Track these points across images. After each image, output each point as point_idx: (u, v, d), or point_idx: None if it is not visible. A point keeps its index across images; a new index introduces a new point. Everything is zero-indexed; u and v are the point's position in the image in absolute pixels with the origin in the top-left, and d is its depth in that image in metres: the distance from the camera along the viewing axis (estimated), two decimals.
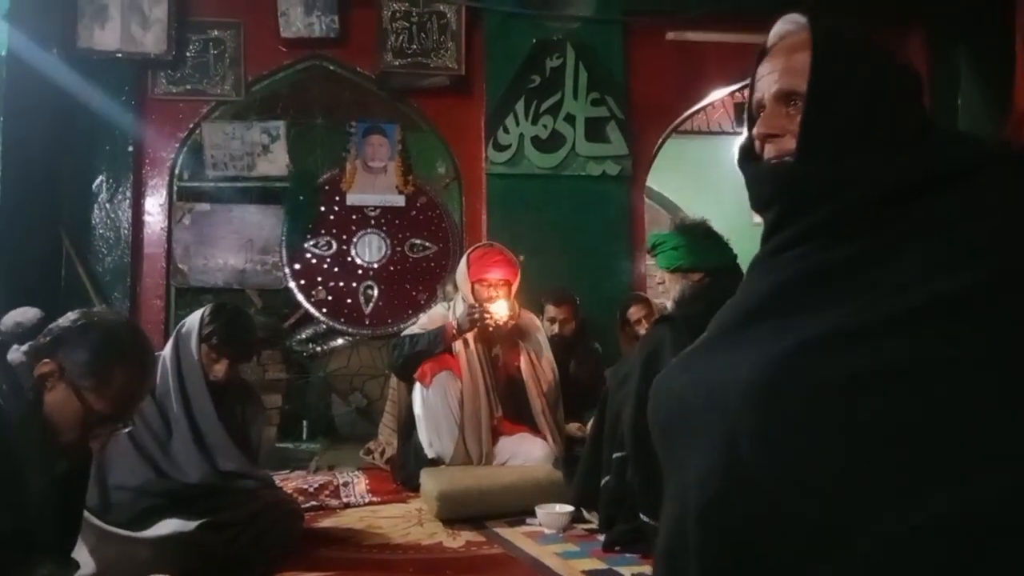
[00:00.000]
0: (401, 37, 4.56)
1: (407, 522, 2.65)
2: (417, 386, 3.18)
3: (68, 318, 1.56)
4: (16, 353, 1.51)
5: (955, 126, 4.63)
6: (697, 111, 5.21)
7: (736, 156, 1.20)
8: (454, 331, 3.17)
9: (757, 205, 1.14)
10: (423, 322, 3.42)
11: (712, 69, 4.86)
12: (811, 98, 1.05)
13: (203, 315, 2.35)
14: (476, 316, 3.13)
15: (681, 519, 1.01)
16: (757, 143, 1.13)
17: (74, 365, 1.47)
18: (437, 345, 3.18)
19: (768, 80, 1.11)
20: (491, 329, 3.18)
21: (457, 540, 2.41)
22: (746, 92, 1.20)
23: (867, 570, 0.85)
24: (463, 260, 3.37)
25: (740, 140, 1.21)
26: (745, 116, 1.19)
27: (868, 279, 0.98)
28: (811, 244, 1.05)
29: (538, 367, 3.32)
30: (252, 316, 2.93)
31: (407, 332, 3.40)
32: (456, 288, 3.81)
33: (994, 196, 0.97)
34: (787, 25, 1.12)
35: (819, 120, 1.05)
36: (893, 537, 0.84)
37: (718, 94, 5.03)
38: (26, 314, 3.56)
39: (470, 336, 3.19)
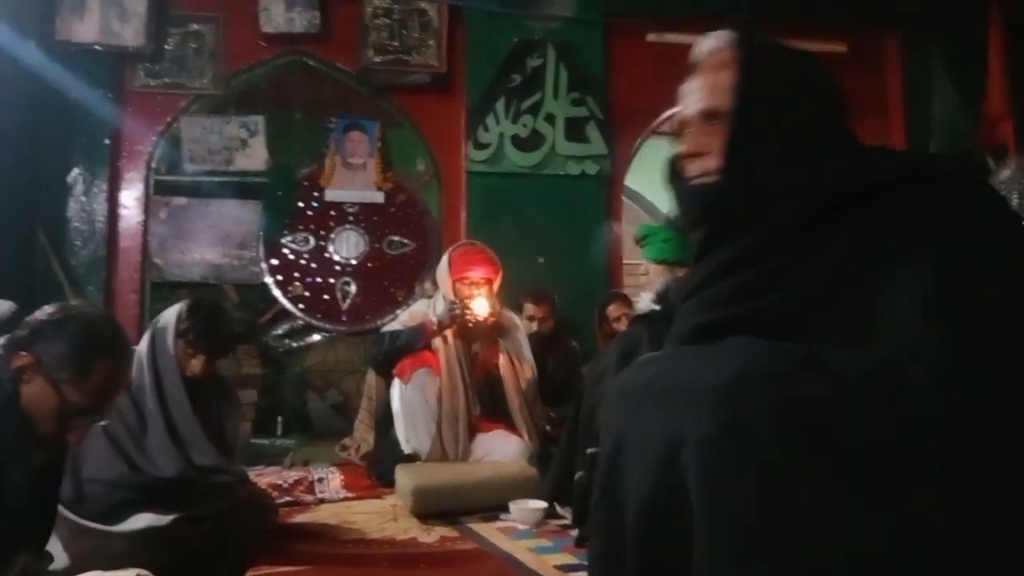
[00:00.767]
0: (382, 34, 4.57)
1: (382, 518, 2.67)
2: (396, 382, 3.20)
3: (45, 311, 1.56)
4: None
5: (928, 127, 4.73)
6: (676, 112, 5.25)
7: (664, 173, 1.21)
8: (434, 327, 3.19)
9: (685, 224, 1.16)
10: (403, 318, 3.43)
11: (690, 70, 4.90)
12: (734, 117, 1.07)
13: (180, 310, 2.35)
14: (457, 313, 3.15)
15: (621, 516, 1.02)
16: (681, 161, 1.15)
17: (51, 358, 1.47)
18: (417, 341, 3.19)
19: (693, 98, 1.13)
20: (471, 326, 3.20)
21: (431, 535, 2.43)
22: (688, 80, 1.21)
23: None
24: (444, 258, 3.38)
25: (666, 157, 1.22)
26: (673, 133, 1.20)
27: (812, 298, 1.00)
28: (746, 267, 1.06)
29: (517, 365, 3.34)
30: (229, 312, 2.93)
31: (387, 328, 3.42)
32: (436, 285, 3.83)
33: (913, 212, 1.00)
34: (715, 41, 1.14)
35: (741, 138, 1.07)
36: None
37: None
38: (0, 307, 3.54)
39: (450, 333, 3.21)
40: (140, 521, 2.08)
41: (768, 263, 1.06)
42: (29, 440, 1.51)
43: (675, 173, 1.19)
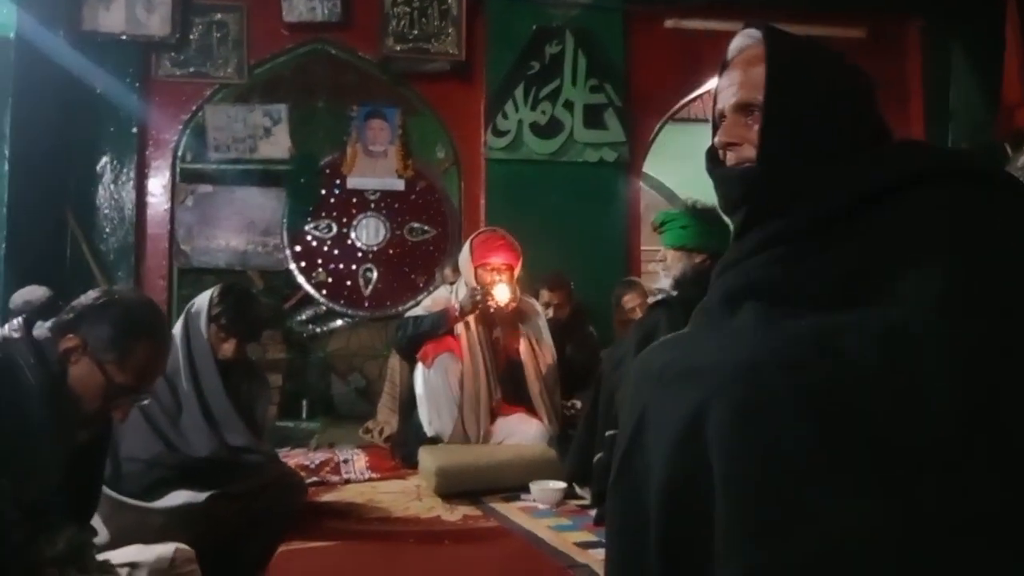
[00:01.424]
0: (403, 22, 4.63)
1: (406, 497, 2.74)
2: (419, 366, 3.27)
3: (90, 295, 1.63)
4: (41, 329, 1.58)
5: (947, 114, 4.72)
6: (694, 99, 5.27)
7: (704, 163, 1.27)
8: (456, 314, 3.25)
9: (726, 208, 1.22)
10: (426, 304, 3.50)
11: (710, 57, 4.91)
12: (767, 109, 1.13)
13: (212, 296, 2.43)
14: (478, 299, 3.21)
15: (641, 493, 1.07)
16: (720, 151, 1.21)
17: (97, 340, 1.54)
18: (440, 327, 3.26)
19: (728, 92, 1.19)
20: (492, 312, 3.26)
21: (455, 514, 2.50)
22: (721, 75, 1.27)
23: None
24: (467, 244, 3.44)
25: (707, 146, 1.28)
26: (710, 124, 1.26)
27: (834, 280, 1.05)
28: (778, 246, 1.12)
29: (537, 351, 3.39)
30: (259, 298, 3.01)
31: (411, 313, 3.48)
32: (456, 272, 3.89)
33: (939, 208, 1.04)
34: (745, 39, 1.20)
35: (775, 130, 1.13)
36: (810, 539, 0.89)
37: (715, 82, 5.07)
38: (35, 292, 3.65)
39: (472, 319, 3.27)
40: (177, 498, 2.17)
41: (797, 246, 1.12)
42: (75, 418, 1.59)
43: (715, 161, 1.25)
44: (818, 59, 1.17)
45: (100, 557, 1.72)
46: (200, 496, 2.17)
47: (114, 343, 1.55)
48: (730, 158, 1.20)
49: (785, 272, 1.11)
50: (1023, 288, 0.99)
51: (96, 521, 1.92)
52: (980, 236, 1.02)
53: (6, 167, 3.82)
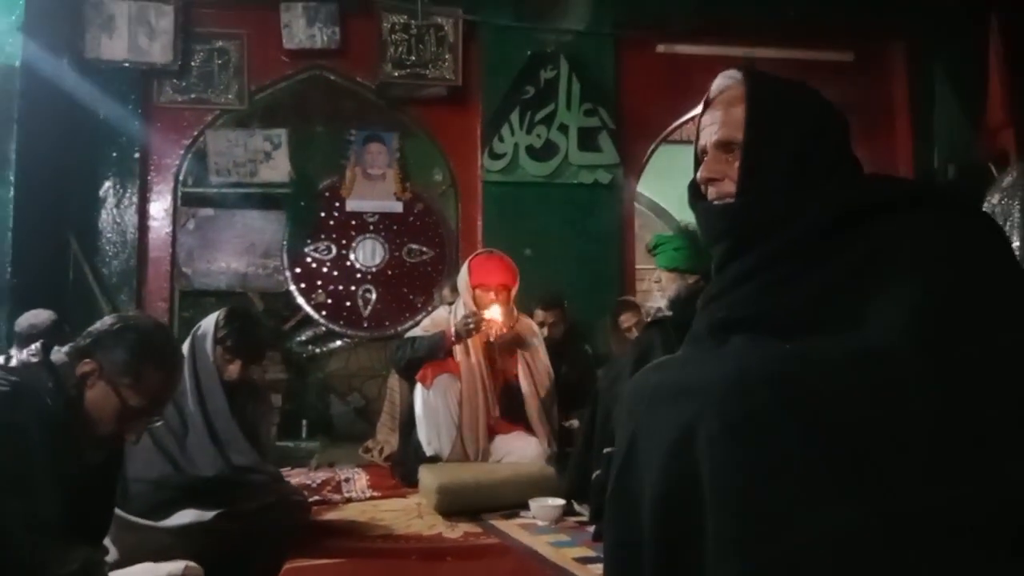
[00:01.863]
0: (400, 48, 4.72)
1: (407, 515, 2.79)
2: (418, 387, 3.32)
3: (105, 322, 1.69)
4: (58, 354, 1.64)
5: (934, 137, 4.82)
6: (686, 121, 5.37)
7: (687, 196, 1.35)
8: (452, 338, 3.31)
9: (708, 240, 1.30)
10: (426, 324, 3.56)
11: (700, 80, 4.87)
12: (746, 148, 1.22)
13: (218, 319, 2.49)
14: (471, 326, 3.26)
15: (635, 508, 1.13)
16: (701, 185, 1.29)
17: (112, 364, 1.60)
18: (437, 351, 3.31)
19: (710, 130, 1.27)
20: (491, 339, 3.31)
21: (456, 531, 2.55)
22: (703, 113, 1.35)
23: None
24: (464, 266, 3.50)
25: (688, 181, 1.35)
26: (693, 160, 1.34)
27: (810, 308, 1.12)
28: (755, 277, 1.20)
29: (535, 372, 3.45)
30: (262, 321, 3.06)
31: (410, 334, 3.54)
32: (454, 292, 3.96)
33: (906, 233, 1.12)
34: (726, 80, 1.29)
35: (753, 166, 1.22)
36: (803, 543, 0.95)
37: None
38: (39, 316, 3.70)
39: (471, 342, 3.32)
40: (184, 517, 2.22)
41: (776, 273, 1.20)
42: (91, 440, 1.64)
43: (697, 194, 1.33)
44: (794, 100, 1.25)
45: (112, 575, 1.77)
46: (207, 515, 2.22)
47: (129, 367, 1.61)
48: (711, 192, 1.28)
49: (764, 303, 1.18)
50: (985, 308, 1.06)
51: (106, 540, 1.97)
52: (946, 260, 1.09)
53: (11, 192, 3.88)
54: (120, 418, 1.62)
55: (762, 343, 1.12)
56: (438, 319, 3.53)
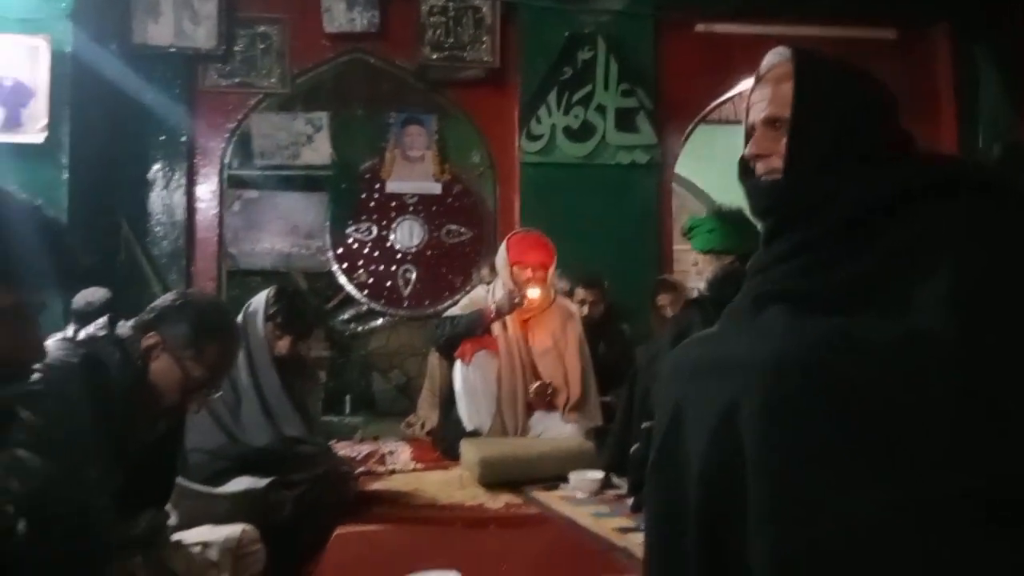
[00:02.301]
0: (438, 31, 4.76)
1: (450, 486, 2.86)
2: (458, 364, 3.39)
3: (167, 298, 1.77)
4: (124, 327, 1.73)
5: (978, 118, 4.74)
6: (725, 101, 5.35)
7: (737, 171, 1.37)
8: (492, 315, 3.37)
9: (755, 215, 1.33)
10: (464, 303, 3.62)
11: (740, 60, 4.98)
12: (793, 125, 1.23)
13: (268, 296, 2.58)
14: (517, 301, 3.32)
15: (680, 480, 1.17)
16: (750, 162, 1.32)
17: (175, 338, 1.68)
18: (476, 327, 3.38)
19: (758, 107, 1.29)
20: (527, 317, 3.37)
21: (497, 502, 2.63)
22: (747, 96, 1.38)
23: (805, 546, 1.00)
24: (503, 244, 3.55)
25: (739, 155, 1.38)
26: (743, 131, 1.36)
27: (852, 286, 1.15)
28: (802, 254, 1.22)
29: (570, 351, 3.50)
30: (310, 298, 3.15)
31: (449, 313, 3.61)
32: (492, 272, 4.02)
33: (950, 217, 1.13)
34: (775, 57, 1.30)
35: (800, 144, 1.23)
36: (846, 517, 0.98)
37: (745, 84, 5.15)
38: (95, 294, 3.84)
39: (510, 319, 3.38)
40: (240, 484, 2.32)
41: (819, 251, 1.22)
42: (156, 410, 1.74)
43: (746, 170, 1.35)
44: (843, 77, 1.26)
45: (173, 538, 1.87)
46: (260, 483, 2.32)
47: (191, 340, 1.69)
48: (759, 168, 1.30)
49: (807, 279, 1.21)
50: (1021, 295, 1.08)
51: (167, 506, 2.07)
52: (988, 244, 1.11)
53: (65, 175, 4.01)
54: (183, 389, 1.71)
55: (801, 320, 1.14)
56: (476, 298, 3.59)
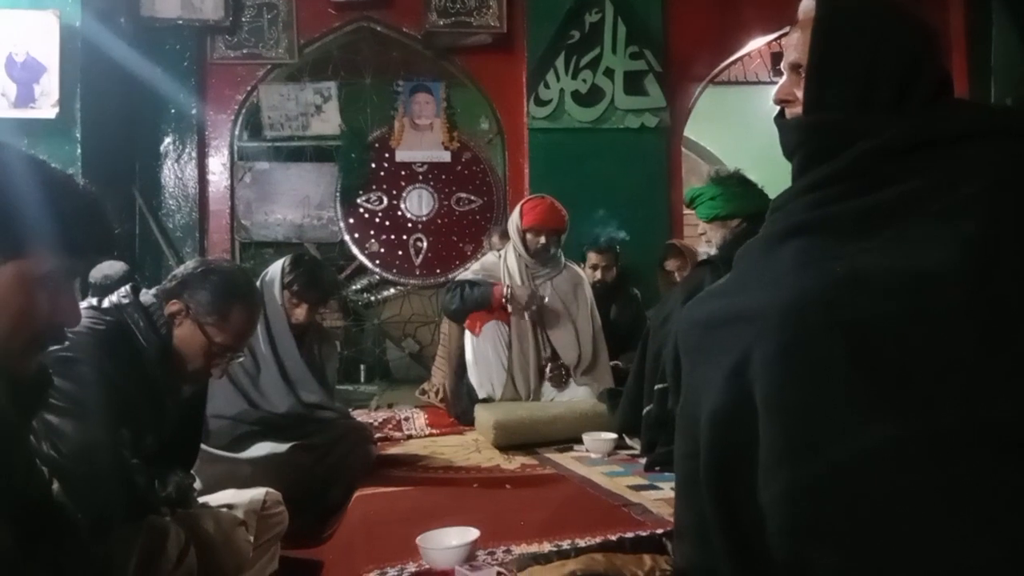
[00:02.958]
0: None
1: (466, 449, 2.93)
2: (467, 334, 3.43)
3: (189, 266, 1.81)
4: (147, 295, 1.78)
5: (990, 70, 4.69)
6: (734, 62, 5.31)
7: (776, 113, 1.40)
8: (502, 299, 3.37)
9: (785, 154, 1.35)
10: (475, 268, 3.65)
11: (749, 20, 4.95)
12: (808, 69, 1.26)
13: (284, 265, 2.62)
14: (534, 308, 3.34)
15: (694, 425, 1.21)
16: (777, 105, 1.35)
17: (198, 304, 1.72)
18: (484, 304, 3.40)
19: (787, 52, 1.32)
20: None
21: (513, 463, 2.68)
22: (782, 41, 1.40)
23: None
24: (516, 210, 3.57)
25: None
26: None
27: (877, 224, 1.16)
28: (821, 187, 1.24)
29: (581, 315, 3.54)
30: (327, 266, 3.18)
31: (461, 277, 3.64)
32: (503, 239, 4.05)
33: (984, 161, 1.14)
34: (808, 3, 1.31)
35: (816, 86, 1.25)
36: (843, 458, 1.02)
37: (755, 44, 5.12)
38: (113, 266, 3.90)
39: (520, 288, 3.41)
40: (261, 449, 2.39)
41: (839, 186, 1.23)
42: (180, 375, 1.78)
43: (782, 113, 1.38)
44: (867, 19, 1.25)
45: (199, 501, 1.93)
46: (281, 447, 2.39)
47: (213, 306, 1.73)
48: (787, 113, 1.33)
49: (822, 210, 1.23)
50: None
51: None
52: (1007, 191, 1.12)
53: (78, 150, 4.04)
54: (206, 354, 1.75)
55: (815, 262, 1.16)
56: (487, 264, 3.61)
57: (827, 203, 1.24)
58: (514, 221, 3.53)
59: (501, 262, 3.55)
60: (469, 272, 3.67)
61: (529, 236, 3.45)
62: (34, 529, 1.06)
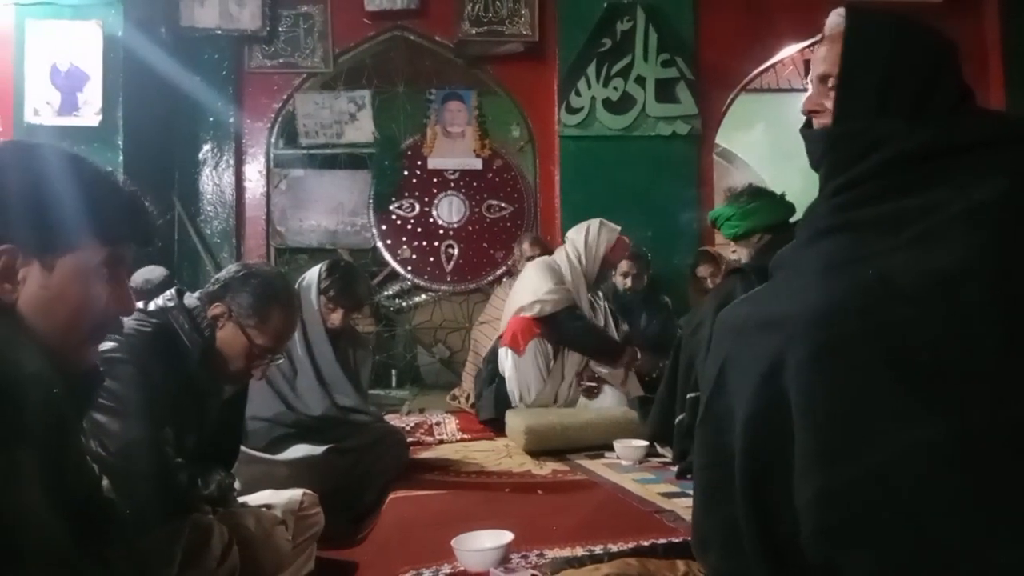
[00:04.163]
0: (477, 6, 4.79)
1: (497, 455, 2.95)
2: (508, 351, 3.38)
3: (231, 269, 1.85)
4: (191, 299, 1.82)
5: None
6: (766, 69, 5.29)
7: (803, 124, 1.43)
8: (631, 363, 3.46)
9: (811, 164, 1.38)
10: (553, 287, 3.41)
11: (781, 27, 4.93)
12: (839, 80, 1.29)
13: (320, 271, 2.66)
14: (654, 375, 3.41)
15: (725, 431, 1.22)
16: (806, 117, 1.38)
17: (240, 307, 1.76)
18: (610, 355, 3.44)
19: (816, 65, 1.36)
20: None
21: (544, 468, 2.70)
22: (815, 48, 1.43)
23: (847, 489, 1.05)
24: (610, 233, 3.55)
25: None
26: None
27: (900, 227, 1.17)
28: (847, 191, 1.27)
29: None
30: (362, 272, 3.22)
31: (554, 300, 3.38)
32: (533, 246, 4.09)
33: (1003, 167, 1.16)
34: (836, 17, 1.35)
35: (846, 97, 1.29)
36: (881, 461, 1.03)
37: (787, 51, 5.10)
38: (153, 272, 3.98)
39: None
40: (297, 451, 2.42)
41: (866, 189, 1.26)
42: (222, 376, 1.82)
43: (808, 122, 1.41)
44: (893, 33, 1.30)
45: (239, 500, 1.96)
46: (317, 449, 2.42)
47: (254, 309, 1.77)
48: (815, 122, 1.36)
49: (849, 213, 1.25)
50: None
51: None
52: None
53: (120, 157, 4.14)
54: (248, 355, 1.79)
55: (844, 268, 1.18)
56: (559, 272, 3.48)
57: (851, 207, 1.27)
58: (605, 239, 3.53)
59: (568, 276, 3.48)
60: (547, 291, 3.39)
61: (619, 277, 3.69)
62: (83, 523, 1.09)
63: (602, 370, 3.44)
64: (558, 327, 3.38)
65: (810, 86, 1.37)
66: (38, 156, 1.01)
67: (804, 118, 1.41)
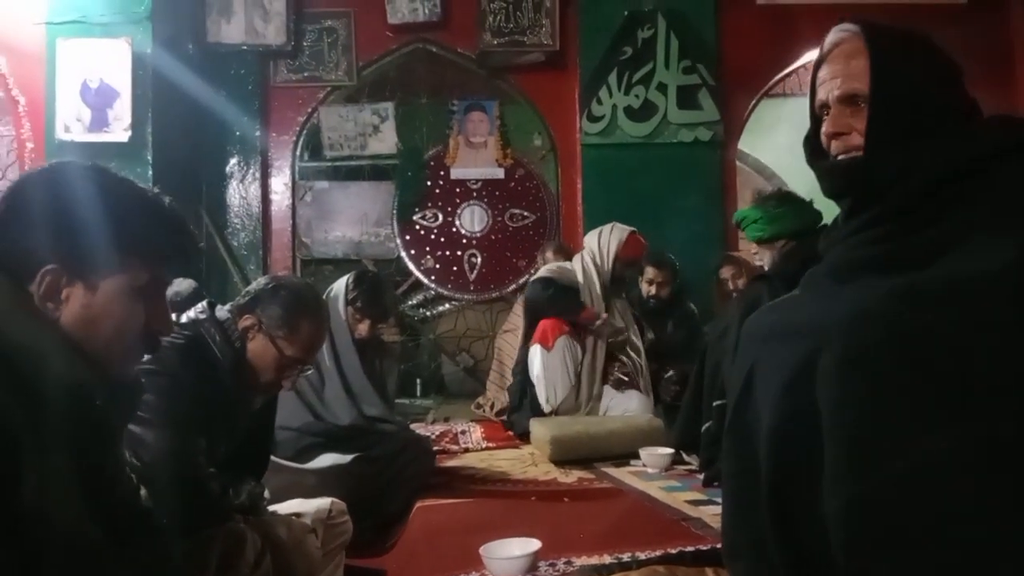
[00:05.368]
0: (498, 17, 4.82)
1: (523, 463, 2.96)
2: (537, 348, 3.44)
3: (260, 282, 1.88)
4: (222, 311, 1.86)
5: None
6: (788, 74, 5.27)
7: (804, 154, 1.38)
8: (592, 320, 3.46)
9: (829, 195, 1.33)
10: (552, 268, 3.66)
11: (803, 32, 4.90)
12: (873, 100, 1.23)
13: (348, 282, 2.70)
14: (621, 339, 3.49)
15: (752, 438, 1.22)
16: (824, 140, 1.30)
17: (270, 319, 1.79)
18: (571, 315, 3.47)
19: (830, 85, 1.28)
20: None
21: (570, 476, 2.70)
22: (820, 66, 1.37)
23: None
24: (620, 232, 3.62)
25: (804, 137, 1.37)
26: (809, 117, 1.35)
27: (931, 247, 1.17)
28: (883, 225, 1.24)
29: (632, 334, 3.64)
30: (388, 283, 3.26)
31: (546, 275, 3.58)
32: (557, 254, 4.11)
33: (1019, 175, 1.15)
34: (840, 33, 1.29)
35: (882, 119, 1.23)
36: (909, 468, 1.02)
37: (809, 57, 5.07)
38: (182, 284, 4.04)
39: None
40: (325, 460, 2.45)
41: (899, 222, 1.22)
42: (253, 387, 1.85)
43: (815, 151, 1.34)
44: (913, 48, 1.26)
45: (268, 509, 1.99)
46: (345, 458, 2.45)
47: (284, 321, 1.80)
48: (835, 147, 1.29)
49: (884, 246, 1.23)
50: None
51: None
52: None
53: (149, 171, 4.22)
54: (278, 366, 1.82)
55: (874, 282, 1.18)
56: (564, 270, 3.61)
57: (888, 239, 1.23)
58: (616, 241, 3.57)
59: (579, 273, 3.56)
60: (546, 271, 3.65)
61: (619, 266, 3.58)
62: (122, 531, 1.12)
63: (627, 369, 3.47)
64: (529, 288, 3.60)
65: (832, 107, 1.29)
66: (85, 178, 1.03)
67: (806, 155, 1.36)
